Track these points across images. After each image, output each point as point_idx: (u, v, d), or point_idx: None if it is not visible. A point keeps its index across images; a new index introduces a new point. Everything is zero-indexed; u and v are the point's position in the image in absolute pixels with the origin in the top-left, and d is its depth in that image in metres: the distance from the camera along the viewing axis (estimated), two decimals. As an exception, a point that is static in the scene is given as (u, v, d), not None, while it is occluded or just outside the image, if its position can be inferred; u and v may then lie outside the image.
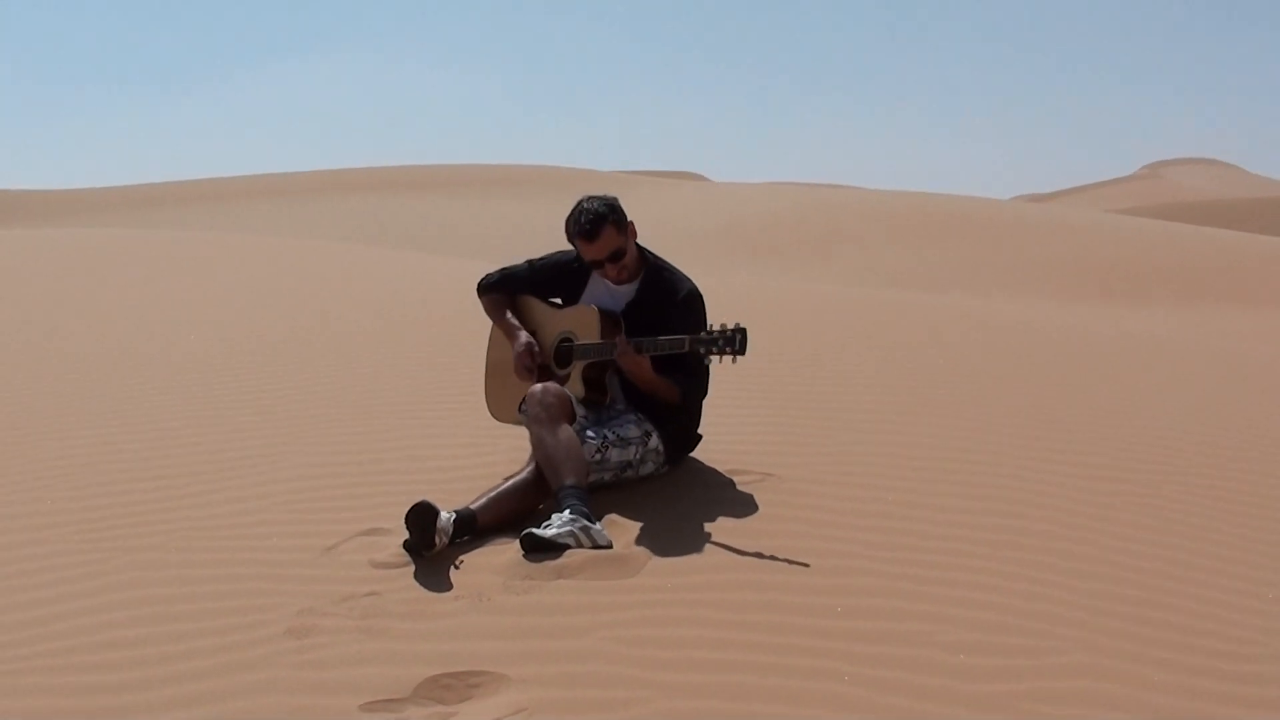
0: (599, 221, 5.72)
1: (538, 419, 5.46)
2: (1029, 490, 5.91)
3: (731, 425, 6.63)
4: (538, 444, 5.41)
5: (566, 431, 5.43)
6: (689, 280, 5.94)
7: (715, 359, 5.38)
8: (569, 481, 5.26)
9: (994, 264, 31.00)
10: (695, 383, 5.84)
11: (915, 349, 9.85)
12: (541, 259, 6.17)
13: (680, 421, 5.91)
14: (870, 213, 37.13)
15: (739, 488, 5.82)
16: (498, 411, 6.16)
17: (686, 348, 5.43)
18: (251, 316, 11.72)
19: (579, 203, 5.82)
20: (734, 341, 5.33)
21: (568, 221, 5.81)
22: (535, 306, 6.10)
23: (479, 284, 6.24)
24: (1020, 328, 11.82)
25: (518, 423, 5.92)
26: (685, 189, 53.47)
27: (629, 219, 5.83)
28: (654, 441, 5.79)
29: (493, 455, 6.36)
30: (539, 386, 5.56)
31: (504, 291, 6.17)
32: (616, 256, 5.74)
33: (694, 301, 5.86)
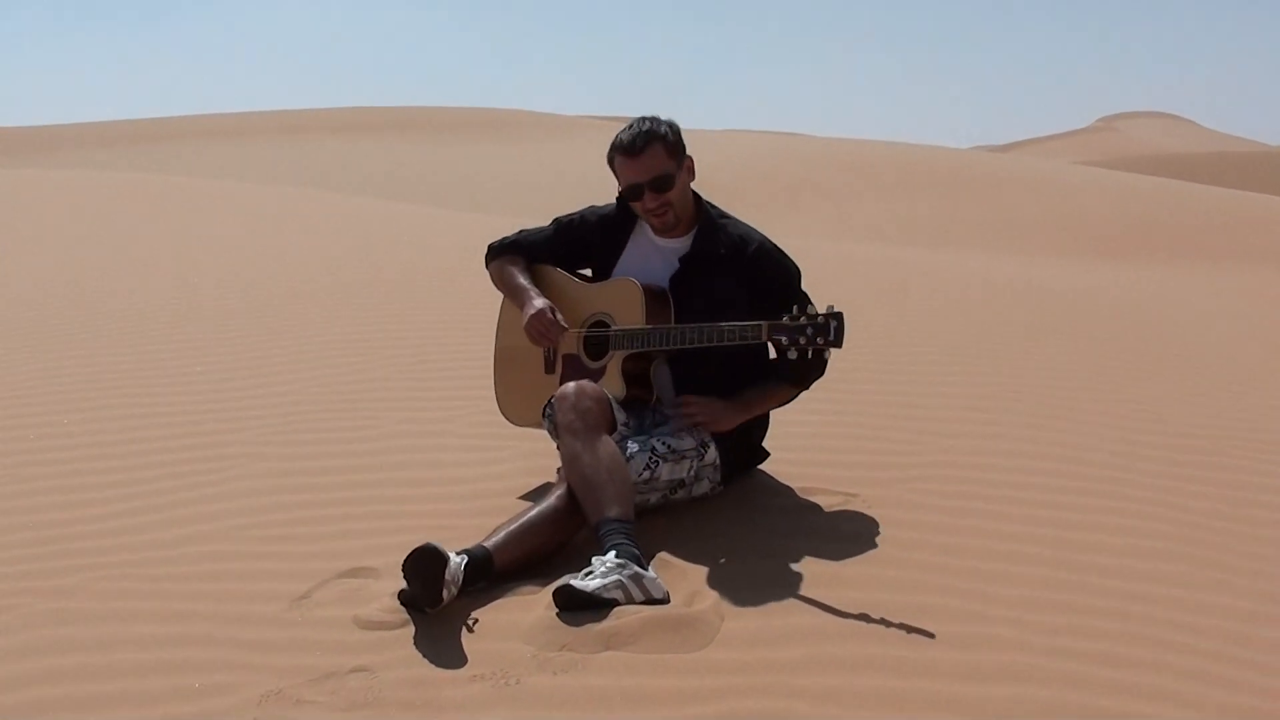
0: (647, 136, 4.54)
1: (571, 429, 4.24)
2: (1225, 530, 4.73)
3: (792, 428, 5.40)
4: (571, 462, 4.19)
5: (608, 446, 4.22)
6: (759, 233, 4.72)
7: (793, 350, 4.18)
8: (613, 514, 4.05)
9: (968, 218, 29.80)
10: (808, 369, 4.61)
11: (979, 317, 8.70)
12: (568, 217, 4.95)
13: (745, 430, 4.71)
14: (836, 162, 35.63)
15: (824, 513, 4.63)
16: (512, 412, 4.93)
17: (764, 336, 4.23)
18: (203, 271, 10.39)
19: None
20: (826, 330, 4.14)
21: (613, 143, 4.65)
22: (559, 281, 4.87)
23: (488, 249, 5.01)
24: (1075, 294, 10.66)
25: (538, 426, 4.73)
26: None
27: (685, 150, 4.66)
28: (711, 454, 4.59)
29: (502, 462, 5.15)
30: (571, 387, 4.34)
31: (518, 255, 4.93)
32: (661, 185, 4.54)
33: (770, 260, 4.64)
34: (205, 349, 7.39)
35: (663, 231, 4.67)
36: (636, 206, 4.62)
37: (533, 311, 4.64)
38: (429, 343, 7.43)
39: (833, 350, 4.16)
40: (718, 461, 4.61)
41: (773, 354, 4.58)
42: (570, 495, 4.18)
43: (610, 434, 4.32)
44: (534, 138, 47.48)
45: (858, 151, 37.98)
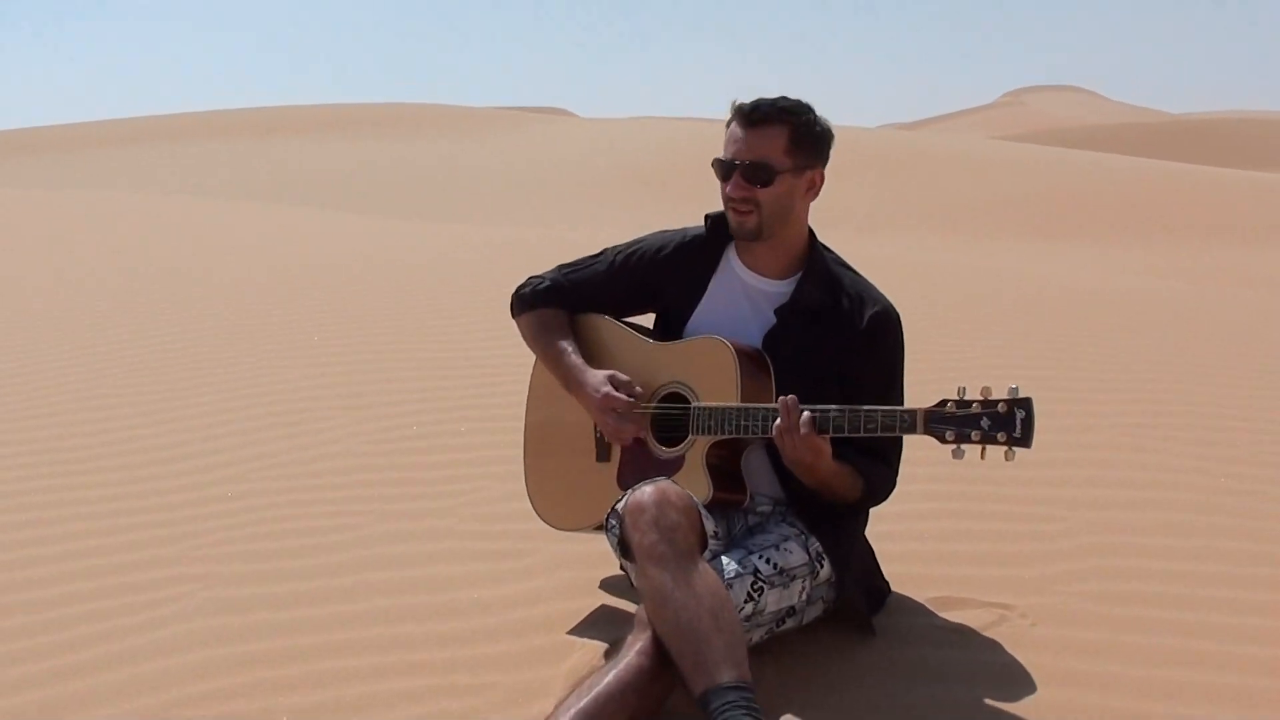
0: (774, 110, 3.40)
1: (656, 556, 3.05)
2: None
3: (900, 514, 4.24)
4: (660, 604, 2.99)
5: (707, 579, 3.04)
6: (882, 294, 3.57)
7: (961, 448, 3.04)
8: (727, 679, 2.86)
9: (901, 200, 28.98)
10: (887, 469, 3.50)
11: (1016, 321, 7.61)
12: (629, 248, 3.73)
13: (851, 529, 3.55)
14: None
15: (981, 640, 3.48)
16: (552, 511, 3.69)
17: (920, 428, 3.08)
18: (86, 288, 9.05)
19: None
20: (1010, 422, 3.00)
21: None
22: (613, 337, 3.66)
23: (517, 296, 3.78)
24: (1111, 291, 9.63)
25: (587, 530, 3.58)
26: (567, 125, 50.57)
27: (821, 162, 3.47)
28: (825, 570, 3.43)
29: (532, 575, 3.95)
30: (649, 495, 3.14)
31: (560, 306, 3.73)
32: (756, 174, 3.38)
33: (891, 332, 3.50)
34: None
35: (755, 260, 3.51)
36: (722, 192, 3.46)
37: (599, 391, 3.47)
38: (405, 386, 6.19)
39: (1015, 449, 3.02)
40: (833, 578, 3.46)
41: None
42: (657, 648, 3.01)
43: (703, 554, 3.17)
44: (430, 134, 45.74)
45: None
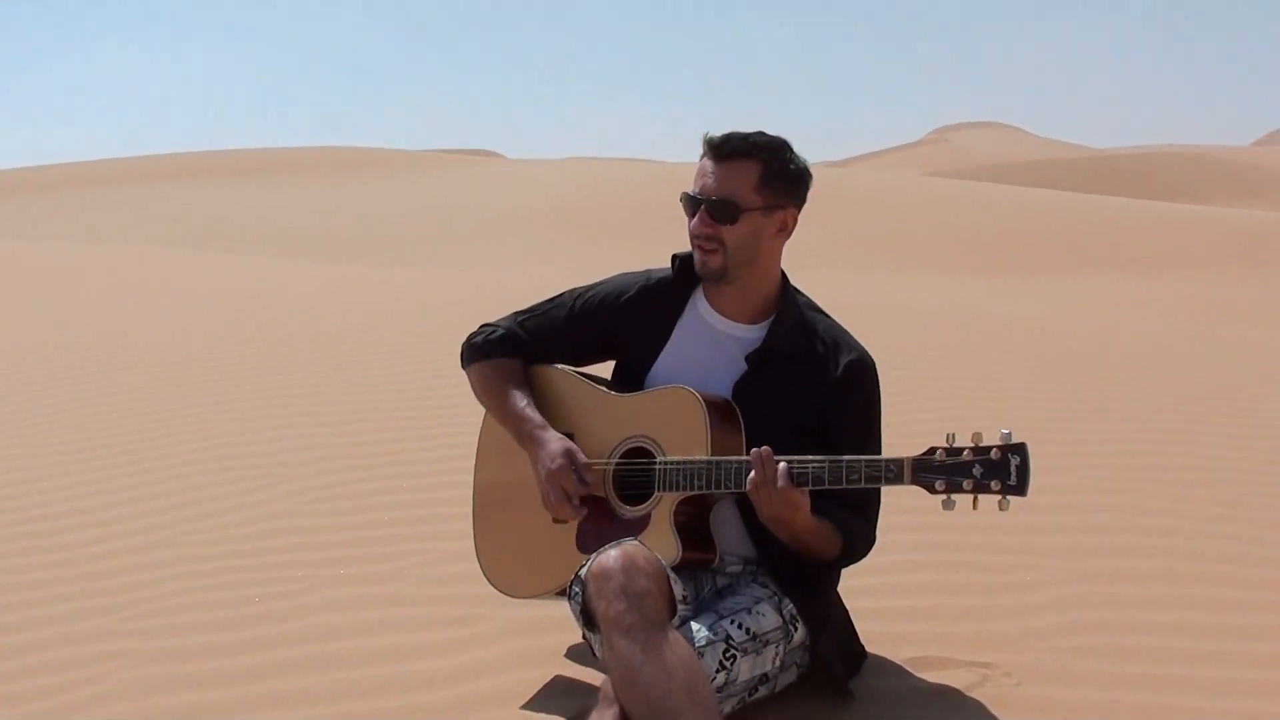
0: (744, 144, 3.19)
1: (624, 625, 2.82)
2: None
3: (869, 568, 4.02)
4: (628, 679, 2.76)
5: (679, 650, 2.82)
6: (857, 341, 3.36)
7: (952, 498, 2.84)
8: (700, 757, 2.66)
9: (834, 237, 28.93)
10: (866, 523, 3.29)
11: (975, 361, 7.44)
12: (589, 292, 3.49)
13: (827, 588, 3.33)
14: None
15: (967, 702, 3.26)
16: (505, 577, 3.42)
17: (907, 478, 2.88)
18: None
19: None
20: (1004, 469, 2.80)
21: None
22: (573, 389, 3.43)
23: (468, 345, 3.53)
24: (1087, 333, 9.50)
25: (544, 597, 3.34)
26: (496, 166, 50.30)
27: (795, 203, 3.25)
28: (800, 633, 3.21)
29: (483, 643, 3.69)
30: (615, 559, 2.91)
31: (516, 355, 3.49)
32: (721, 211, 3.17)
33: (867, 381, 3.30)
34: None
35: (724, 304, 3.30)
36: (688, 228, 3.25)
37: (554, 463, 3.24)
38: (342, 440, 5.91)
39: (1010, 498, 2.82)
40: (807, 640, 3.24)
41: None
42: (625, 725, 2.79)
43: (673, 620, 2.94)
44: (359, 177, 45.25)
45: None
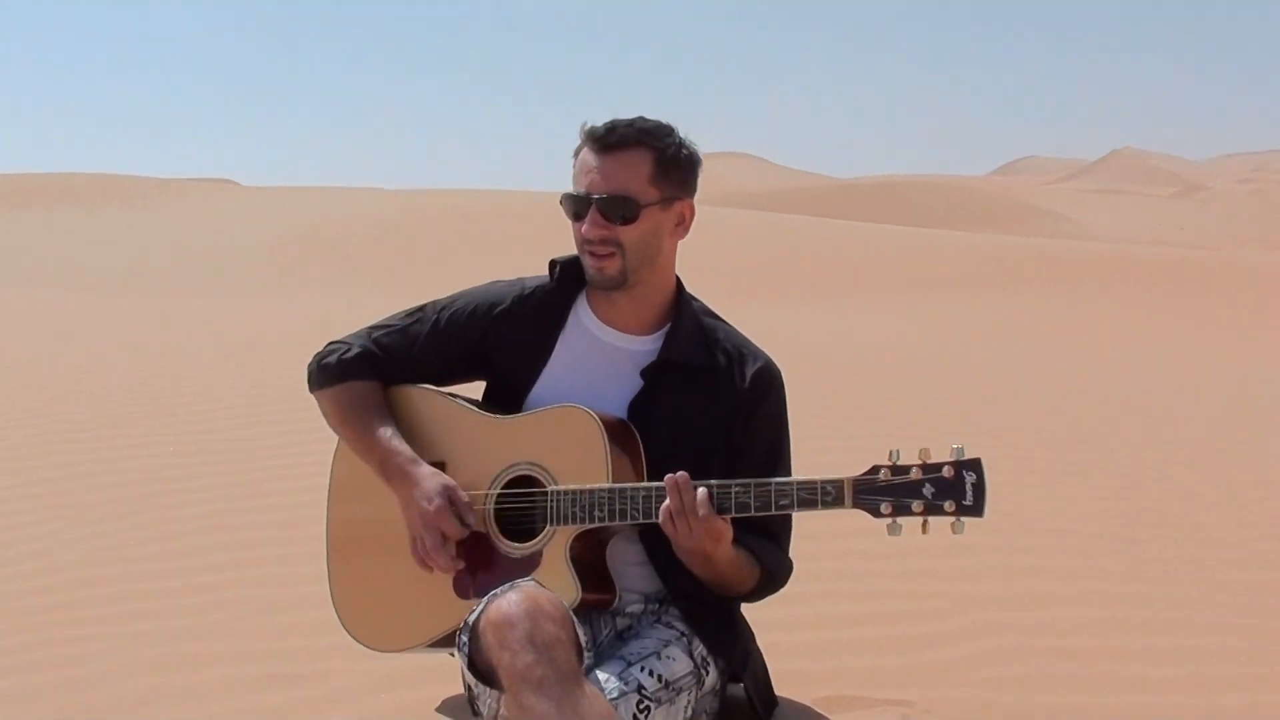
0: (635, 133, 2.80)
1: (534, 680, 2.40)
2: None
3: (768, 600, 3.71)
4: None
5: (597, 706, 2.43)
6: (761, 349, 3.03)
7: (899, 522, 2.53)
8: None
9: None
10: (780, 551, 2.95)
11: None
12: (453, 303, 3.05)
13: (740, 625, 3.00)
14: (455, 213, 33.73)
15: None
16: (366, 627, 2.96)
17: (848, 500, 2.55)
18: None
19: None
20: (959, 488, 2.50)
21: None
22: (443, 412, 2.99)
23: (319, 366, 3.04)
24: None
25: (414, 649, 2.90)
26: (235, 194, 48.57)
27: (689, 192, 2.89)
28: (711, 677, 2.85)
29: (335, 699, 3.22)
30: (516, 604, 2.48)
31: (374, 377, 3.02)
32: (617, 210, 2.78)
33: (776, 392, 2.97)
34: None
35: (612, 314, 2.93)
36: (575, 232, 2.86)
37: (430, 507, 2.79)
38: (123, 479, 5.30)
39: (964, 519, 2.52)
40: (719, 685, 2.89)
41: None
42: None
43: (583, 667, 2.55)
44: (101, 204, 43.10)
45: (472, 202, 36.32)
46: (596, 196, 2.80)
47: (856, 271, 26.88)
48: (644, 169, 2.81)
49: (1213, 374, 10.75)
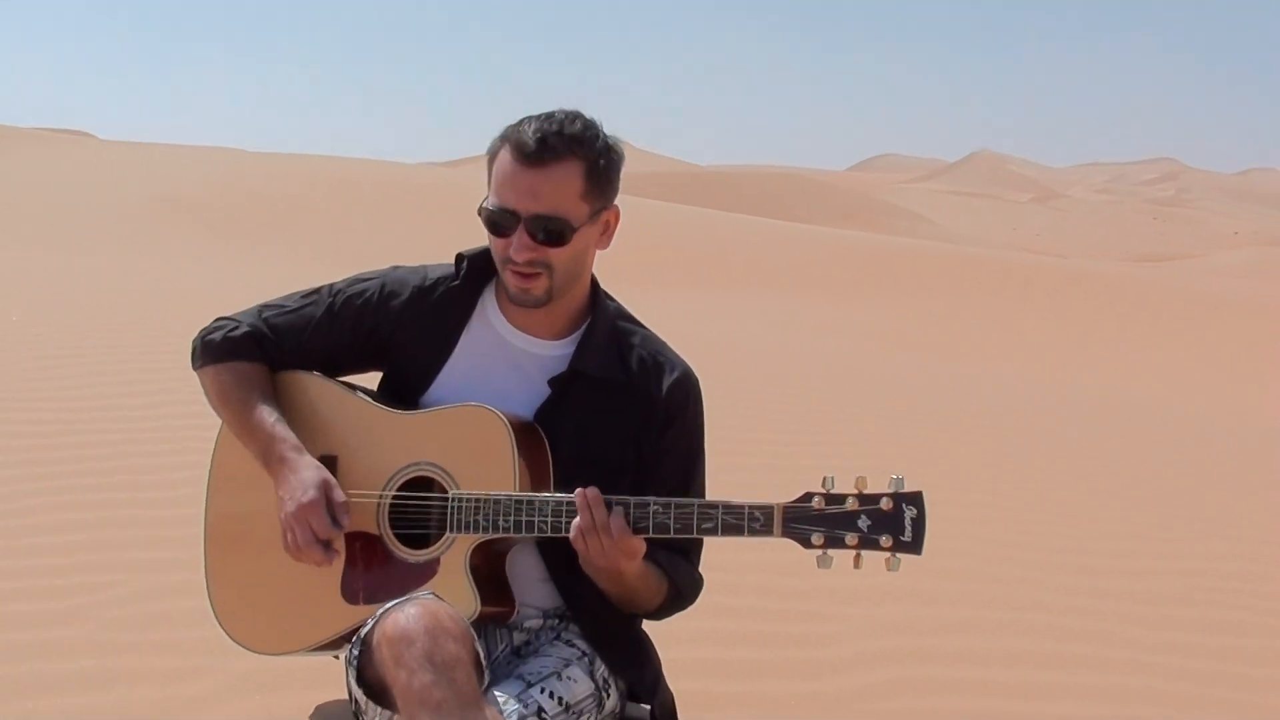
0: (567, 142, 2.58)
1: (432, 702, 2.26)
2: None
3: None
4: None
5: (498, 729, 2.31)
6: (680, 357, 2.89)
7: (830, 554, 2.41)
8: None
9: (446, 237, 28.15)
10: (690, 567, 2.83)
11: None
12: (351, 287, 2.87)
13: (644, 644, 2.86)
14: (316, 182, 32.90)
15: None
16: (249, 629, 2.77)
17: (778, 529, 2.42)
18: None
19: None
20: (897, 522, 2.39)
21: (507, 131, 2.63)
22: (337, 403, 2.82)
23: (204, 343, 2.85)
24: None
25: (295, 653, 2.73)
26: (94, 147, 46.98)
27: (614, 195, 2.68)
28: (612, 699, 2.72)
29: (206, 701, 3.03)
30: (415, 617, 2.34)
31: (261, 359, 2.84)
32: (550, 231, 2.59)
33: (694, 404, 2.83)
34: None
35: (522, 317, 2.76)
36: (495, 247, 2.69)
37: (303, 499, 2.61)
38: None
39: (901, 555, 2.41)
40: (620, 708, 2.76)
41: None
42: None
43: (483, 688, 2.40)
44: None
45: (336, 170, 35.51)
46: (525, 215, 2.62)
47: (708, 261, 26.88)
48: (575, 184, 2.61)
49: (1046, 382, 10.86)
